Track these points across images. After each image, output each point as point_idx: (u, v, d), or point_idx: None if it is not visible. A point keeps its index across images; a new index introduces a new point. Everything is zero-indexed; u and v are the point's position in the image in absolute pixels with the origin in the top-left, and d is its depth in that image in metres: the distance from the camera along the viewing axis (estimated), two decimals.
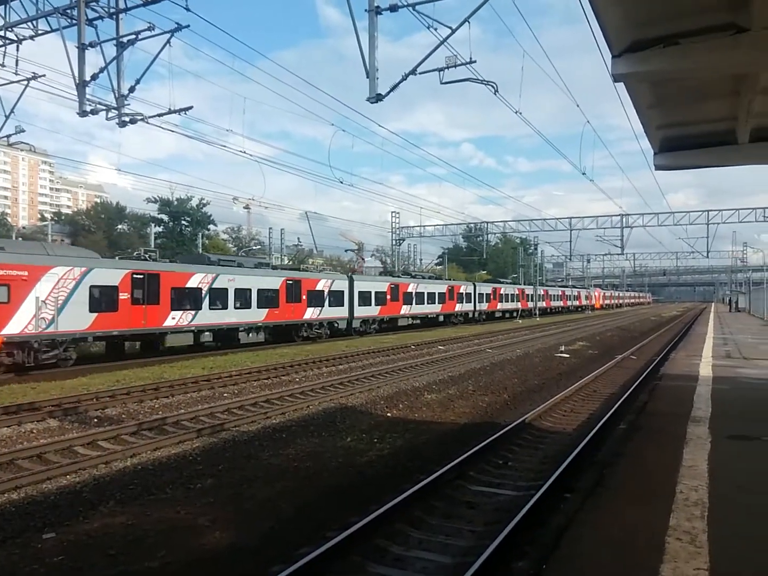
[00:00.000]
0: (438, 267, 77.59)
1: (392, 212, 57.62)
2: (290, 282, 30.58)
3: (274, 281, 29.59)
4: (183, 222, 72.24)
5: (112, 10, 13.58)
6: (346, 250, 52.62)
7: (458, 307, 49.37)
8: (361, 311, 35.99)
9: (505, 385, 17.93)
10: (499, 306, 58.44)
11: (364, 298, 36.46)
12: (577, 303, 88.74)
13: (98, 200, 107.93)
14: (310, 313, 31.82)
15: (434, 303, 45.04)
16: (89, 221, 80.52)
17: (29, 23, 14.40)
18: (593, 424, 11.82)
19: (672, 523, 5.41)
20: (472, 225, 74.68)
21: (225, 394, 15.83)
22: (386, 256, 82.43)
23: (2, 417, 12.32)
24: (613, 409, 12.94)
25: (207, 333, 25.51)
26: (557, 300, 79.21)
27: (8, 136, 15.88)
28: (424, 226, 59.89)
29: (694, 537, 5.10)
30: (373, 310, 37.48)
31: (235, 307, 27.00)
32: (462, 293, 50.07)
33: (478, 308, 52.91)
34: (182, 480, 8.88)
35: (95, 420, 12.75)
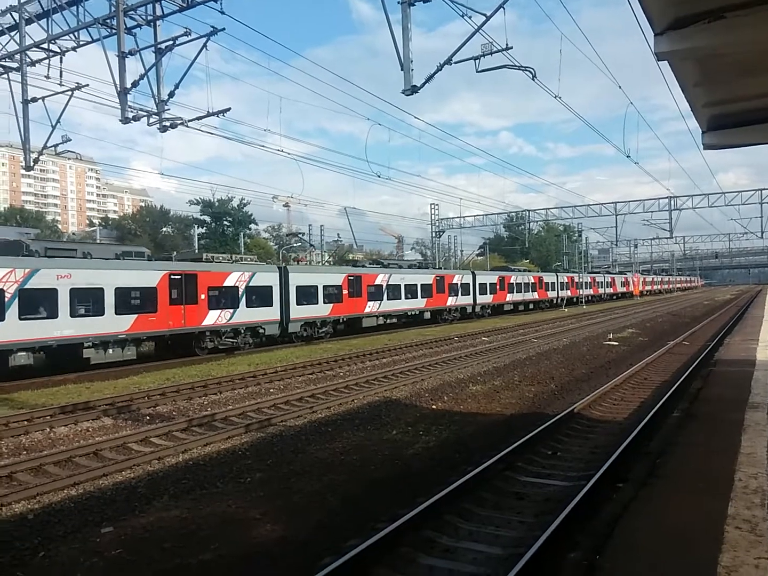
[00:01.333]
0: (479, 258, 76.81)
1: (431, 204, 57.22)
2: (176, 277, 22.88)
3: (146, 277, 22.02)
4: (225, 222, 73.59)
5: (149, 18, 13.85)
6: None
7: (451, 301, 40.50)
8: (301, 312, 28.09)
9: (551, 374, 17.66)
10: (509, 298, 49.02)
11: (307, 295, 28.61)
12: (611, 290, 77.47)
13: (143, 204, 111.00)
14: (215, 318, 24.20)
15: (416, 297, 36.51)
16: (135, 225, 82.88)
17: (71, 35, 14.82)
18: (645, 413, 11.53)
19: (731, 512, 5.24)
20: (513, 214, 73.83)
21: (271, 390, 16.06)
22: (426, 248, 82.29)
23: (60, 416, 12.78)
24: (666, 396, 12.60)
25: (22, 353, 18.25)
26: (586, 288, 67.40)
27: (56, 146, 16.37)
28: (464, 217, 59.27)
29: (754, 525, 4.94)
30: (321, 310, 29.43)
31: (74, 315, 19.57)
32: (456, 284, 41.13)
33: (479, 301, 44.16)
34: (232, 474, 9.05)
35: (147, 417, 13.10)
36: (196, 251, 47.30)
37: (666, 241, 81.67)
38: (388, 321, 34.79)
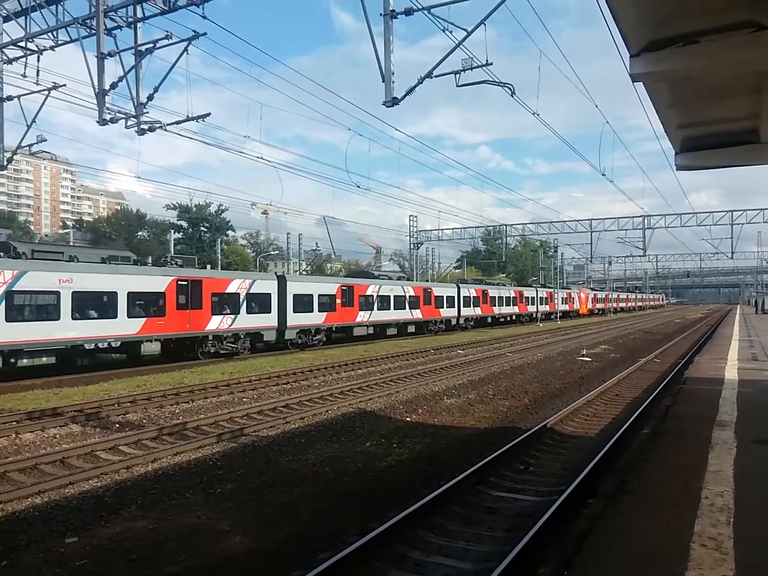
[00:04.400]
0: (457, 271, 77.18)
1: (410, 216, 57.55)
2: None
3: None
4: (202, 228, 73.07)
5: (130, 20, 13.77)
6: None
7: (220, 323, 25.02)
8: None
9: (525, 389, 17.78)
10: (363, 317, 33.67)
11: None
12: (547, 308, 62.66)
13: (118, 207, 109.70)
14: None
15: (112, 316, 21.07)
16: (110, 228, 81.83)
17: (49, 34, 14.67)
18: (616, 429, 11.66)
19: (697, 530, 5.31)
20: (490, 228, 74.40)
21: (244, 399, 15.90)
22: (404, 260, 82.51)
23: (26, 422, 12.50)
24: (637, 413, 12.75)
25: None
26: (507, 305, 53.00)
27: (30, 146, 16.16)
28: (442, 229, 59.79)
29: (719, 543, 5.00)
30: None
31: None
32: (233, 295, 25.94)
33: (296, 323, 28.94)
34: (203, 485, 8.92)
35: (117, 425, 12.88)
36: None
37: (639, 259, 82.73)
38: (29, 362, 18.80)
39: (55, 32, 14.68)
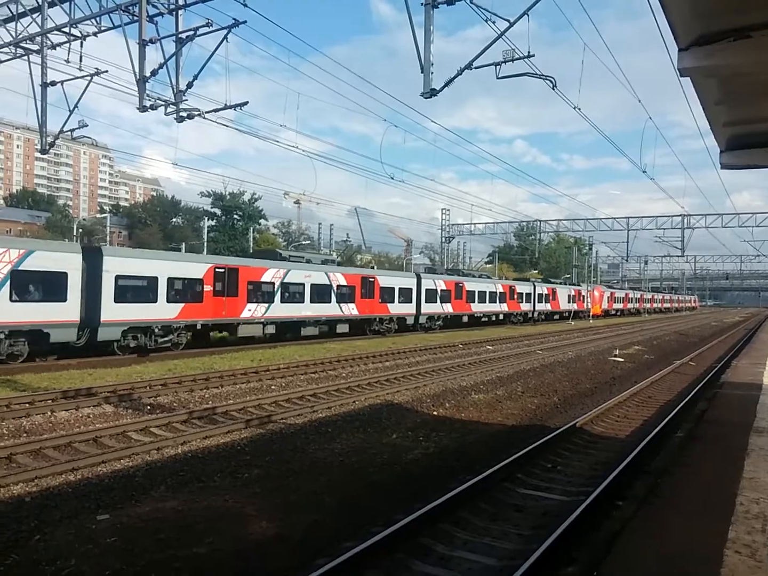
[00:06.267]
0: (488, 266, 76.56)
1: (442, 209, 57.14)
2: None
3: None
4: (235, 216, 73.75)
5: (171, 7, 13.90)
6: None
7: None
8: None
9: (555, 387, 17.57)
10: (254, 311, 25.48)
11: None
12: (548, 307, 54.17)
13: (154, 194, 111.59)
14: None
15: None
16: (145, 214, 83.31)
17: (93, 20, 14.91)
18: (648, 431, 11.43)
19: (731, 536, 5.18)
20: (524, 223, 73.60)
21: (273, 387, 16.03)
22: (435, 253, 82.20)
23: (61, 401, 12.80)
24: (670, 416, 12.50)
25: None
26: (492, 301, 44.58)
27: (72, 131, 16.43)
28: (474, 223, 59.32)
29: (754, 551, 4.88)
30: None
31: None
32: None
33: (117, 316, 20.22)
34: (230, 469, 9.02)
35: (148, 407, 13.10)
36: (205, 244, 47.42)
37: (677, 260, 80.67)
38: None
39: (98, 18, 14.91)
